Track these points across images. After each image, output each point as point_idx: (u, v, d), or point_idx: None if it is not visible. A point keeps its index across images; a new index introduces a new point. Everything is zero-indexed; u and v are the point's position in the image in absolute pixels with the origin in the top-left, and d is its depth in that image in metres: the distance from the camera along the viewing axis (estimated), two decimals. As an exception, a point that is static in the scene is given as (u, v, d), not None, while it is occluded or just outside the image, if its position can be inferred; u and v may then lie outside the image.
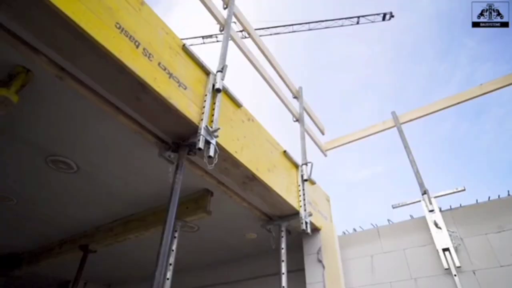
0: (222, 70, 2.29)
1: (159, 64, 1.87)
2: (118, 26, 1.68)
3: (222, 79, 2.23)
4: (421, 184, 3.22)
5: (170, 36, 2.05)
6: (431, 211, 3.04)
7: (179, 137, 2.12)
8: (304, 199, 3.05)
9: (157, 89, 1.79)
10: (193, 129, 2.03)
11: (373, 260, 3.22)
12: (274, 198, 2.80)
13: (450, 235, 2.88)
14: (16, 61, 1.72)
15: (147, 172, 2.63)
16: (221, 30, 2.77)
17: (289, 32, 20.87)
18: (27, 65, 1.74)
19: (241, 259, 4.20)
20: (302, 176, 3.18)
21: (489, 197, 2.99)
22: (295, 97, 3.86)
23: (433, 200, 3.09)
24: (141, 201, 2.96)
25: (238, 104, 2.53)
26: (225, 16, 2.84)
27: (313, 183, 3.43)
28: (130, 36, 1.74)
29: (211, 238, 3.66)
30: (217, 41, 20.72)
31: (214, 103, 2.18)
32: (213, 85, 2.22)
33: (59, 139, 2.28)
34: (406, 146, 3.49)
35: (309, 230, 2.94)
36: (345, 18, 20.66)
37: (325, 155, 4.23)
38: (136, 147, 2.35)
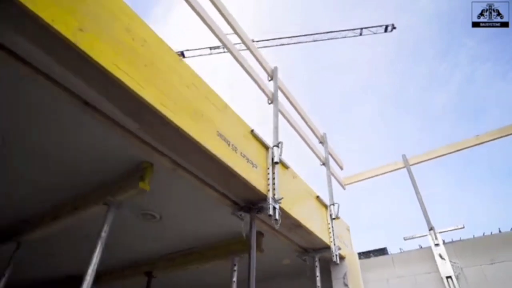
0: (278, 145, 2.97)
1: (241, 154, 2.54)
2: (218, 133, 2.35)
3: (280, 155, 2.91)
4: (428, 222, 3.91)
5: (243, 127, 2.73)
6: (437, 245, 3.73)
7: (250, 202, 2.79)
8: (333, 235, 3.73)
9: (242, 174, 2.46)
10: (262, 197, 2.70)
11: (389, 283, 3.91)
12: (312, 237, 3.48)
13: (452, 265, 3.57)
14: (143, 158, 2.39)
15: (214, 218, 3.30)
16: (269, 103, 3.44)
17: (294, 43, 21.62)
18: (151, 160, 2.41)
19: (277, 278, 4.88)
20: (331, 215, 3.87)
21: (483, 233, 3.69)
22: (320, 142, 4.55)
23: (438, 235, 3.79)
24: (203, 238, 3.63)
25: (286, 166, 3.21)
26: (272, 90, 3.51)
27: (338, 218, 4.12)
28: (224, 138, 2.41)
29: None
30: (224, 51, 21.38)
31: (274, 173, 2.85)
32: (272, 159, 2.89)
33: (155, 202, 2.94)
34: (415, 186, 4.19)
35: (338, 261, 3.63)
36: (348, 30, 21.45)
37: (344, 189, 4.92)
38: (211, 205, 3.00)
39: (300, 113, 4.34)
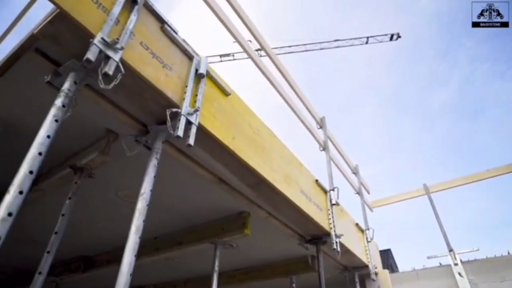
0: (333, 189, 3.70)
1: (314, 203, 3.27)
2: (301, 190, 3.08)
3: (337, 198, 3.64)
4: (448, 244, 4.67)
5: (310, 178, 3.45)
6: (456, 264, 4.49)
7: (315, 236, 3.53)
8: (370, 256, 4.48)
9: (315, 218, 3.20)
10: (326, 232, 3.43)
11: (415, 295, 4.68)
12: (354, 258, 4.23)
13: (469, 282, 4.34)
14: (244, 209, 3.12)
15: (279, 247, 4.03)
16: (321, 150, 4.17)
17: (302, 51, 22.34)
18: (249, 210, 3.13)
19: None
20: (366, 238, 4.62)
21: (495, 255, 4.45)
22: (353, 173, 5.28)
23: (457, 255, 4.55)
24: (266, 260, 4.38)
25: (337, 204, 3.94)
26: (323, 138, 4.23)
27: (371, 240, 4.87)
28: (304, 193, 3.14)
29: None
30: (234, 59, 22.04)
31: (333, 213, 3.58)
32: (331, 201, 3.63)
33: (241, 239, 3.66)
34: (436, 213, 4.94)
35: (375, 278, 4.39)
36: (355, 38, 22.17)
37: (372, 211, 5.67)
38: (281, 238, 3.73)
39: (338, 148, 5.07)
